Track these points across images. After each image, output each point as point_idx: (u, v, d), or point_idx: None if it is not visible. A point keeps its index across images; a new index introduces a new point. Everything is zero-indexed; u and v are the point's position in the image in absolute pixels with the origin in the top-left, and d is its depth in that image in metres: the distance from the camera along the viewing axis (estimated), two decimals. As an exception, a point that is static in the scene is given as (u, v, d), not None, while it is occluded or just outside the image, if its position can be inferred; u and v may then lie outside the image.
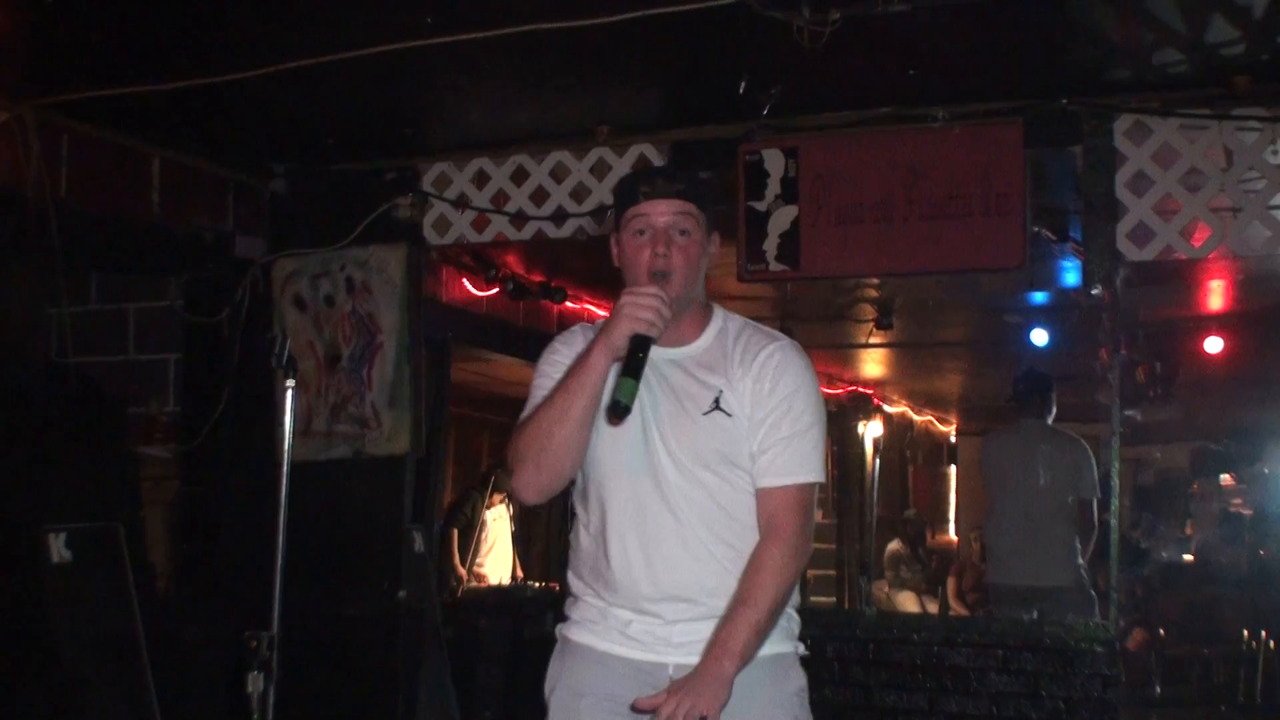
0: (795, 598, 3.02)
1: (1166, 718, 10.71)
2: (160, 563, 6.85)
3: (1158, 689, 11.13)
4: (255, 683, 4.04)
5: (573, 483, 3.11)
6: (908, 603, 11.07)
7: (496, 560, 11.02)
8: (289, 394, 4.26)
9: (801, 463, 2.94)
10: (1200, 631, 11.36)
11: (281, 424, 4.26)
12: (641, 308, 2.80)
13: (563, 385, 2.89)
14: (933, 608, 11.12)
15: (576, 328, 3.19)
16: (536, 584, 9.83)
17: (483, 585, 10.29)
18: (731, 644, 2.75)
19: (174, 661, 6.19)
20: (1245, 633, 10.65)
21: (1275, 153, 5.33)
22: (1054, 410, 7.36)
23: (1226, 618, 11.08)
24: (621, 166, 6.17)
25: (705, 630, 2.88)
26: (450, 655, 7.65)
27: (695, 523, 2.93)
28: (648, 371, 2.86)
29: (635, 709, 2.83)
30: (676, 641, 2.93)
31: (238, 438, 6.65)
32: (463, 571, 10.05)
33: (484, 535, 10.84)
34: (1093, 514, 7.06)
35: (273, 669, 4.06)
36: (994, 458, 7.58)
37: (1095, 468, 7.11)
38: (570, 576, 3.13)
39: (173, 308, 6.95)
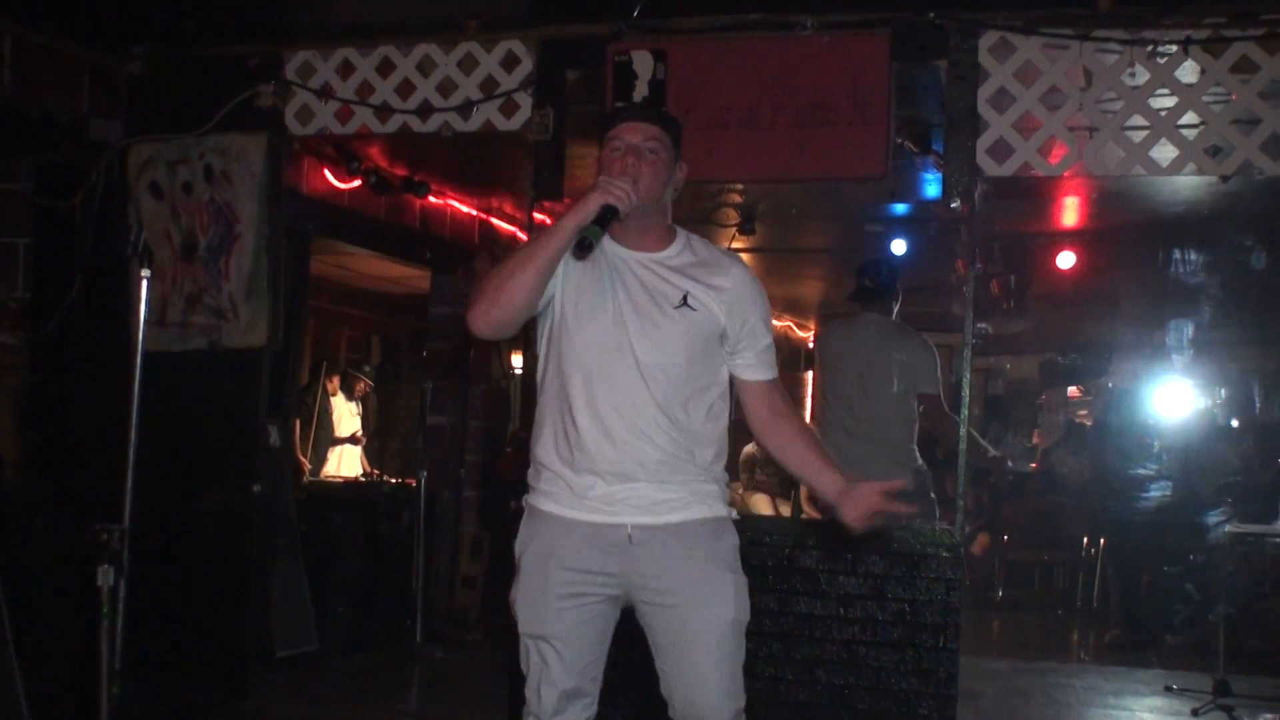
0: (724, 467, 3.57)
1: (1007, 620, 11.05)
2: (7, 452, 6.72)
3: (1000, 592, 11.49)
4: (105, 576, 4.01)
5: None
6: (761, 505, 11.18)
7: (343, 453, 10.98)
8: (143, 284, 4.21)
9: (772, 364, 3.57)
10: (1042, 538, 11.71)
11: (136, 314, 4.22)
12: (613, 186, 3.28)
13: (533, 238, 3.39)
14: (785, 510, 11.26)
15: None
16: (392, 480, 9.80)
17: (335, 479, 10.25)
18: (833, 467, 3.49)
19: (20, 553, 6.10)
20: (1085, 540, 11.01)
21: (1133, 75, 5.43)
22: (898, 303, 6.90)
23: (1068, 525, 11.43)
24: (489, 62, 6.11)
25: (655, 494, 3.39)
26: (304, 550, 7.64)
27: (660, 402, 3.36)
28: (625, 269, 3.41)
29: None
30: (633, 504, 3.37)
31: (90, 326, 6.52)
32: (305, 463, 9.98)
33: (329, 424, 10.79)
34: (942, 407, 6.55)
35: (123, 562, 4.03)
36: (828, 351, 6.97)
37: (937, 363, 6.66)
38: (538, 450, 3.49)
39: (23, 191, 6.75)
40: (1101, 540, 10.56)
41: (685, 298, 3.41)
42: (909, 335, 6.76)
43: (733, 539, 3.51)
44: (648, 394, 3.36)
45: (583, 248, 3.29)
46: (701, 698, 3.38)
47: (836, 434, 6.68)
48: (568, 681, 3.41)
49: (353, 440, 11.00)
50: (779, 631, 5.68)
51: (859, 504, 3.36)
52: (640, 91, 5.84)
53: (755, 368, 3.54)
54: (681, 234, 3.58)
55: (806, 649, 5.65)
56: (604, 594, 3.42)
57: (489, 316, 3.36)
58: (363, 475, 10.57)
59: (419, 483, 8.49)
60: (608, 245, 3.46)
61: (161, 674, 6.16)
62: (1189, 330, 11.62)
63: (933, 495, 6.74)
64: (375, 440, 12.19)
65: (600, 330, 3.40)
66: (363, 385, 11.33)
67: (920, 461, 6.70)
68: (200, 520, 6.45)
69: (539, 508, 3.49)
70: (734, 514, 3.55)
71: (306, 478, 9.69)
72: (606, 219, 3.28)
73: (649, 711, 3.56)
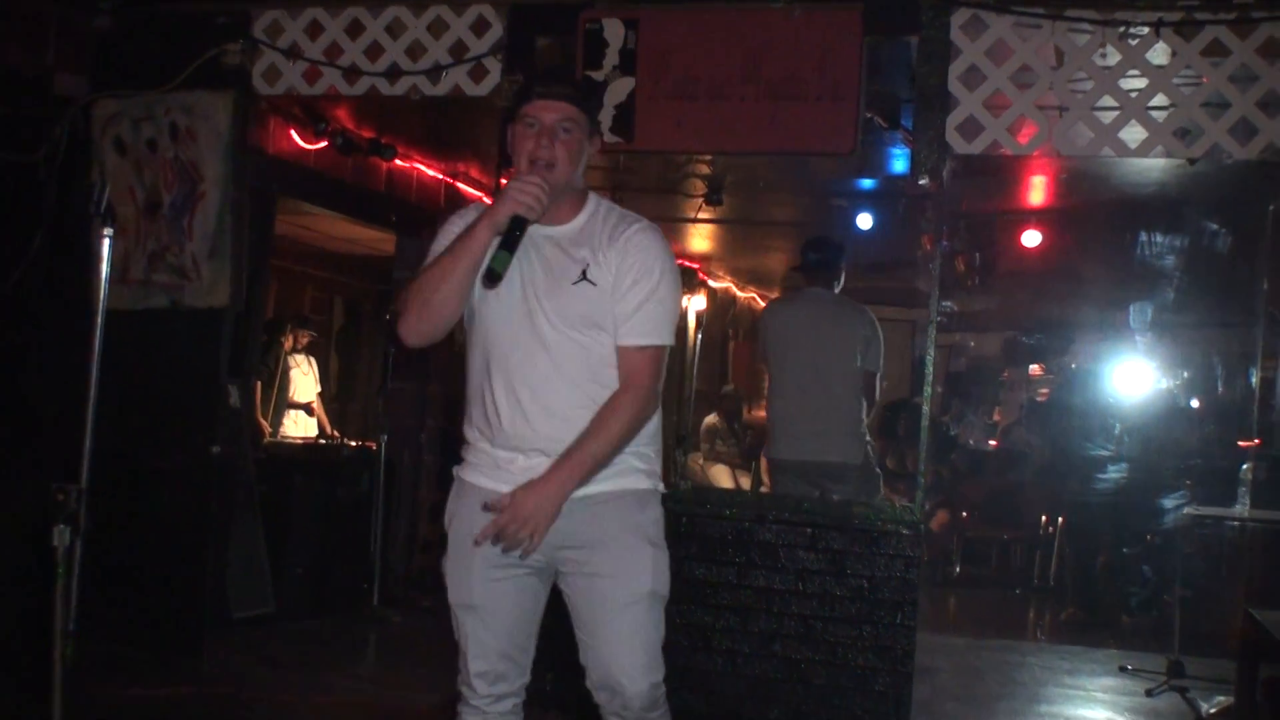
0: (658, 443, 3.56)
1: (964, 597, 11.11)
2: (-37, 409, 6.67)
3: (958, 569, 11.54)
4: (61, 536, 3.95)
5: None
6: (721, 476, 11.23)
7: (299, 415, 10.91)
8: (106, 242, 4.15)
9: (655, 327, 3.39)
10: (1001, 516, 11.75)
11: (97, 272, 4.15)
12: (524, 192, 3.24)
13: (449, 250, 3.35)
14: (745, 482, 11.30)
15: (473, 205, 3.57)
16: (353, 443, 9.76)
17: (294, 440, 10.18)
18: (570, 467, 3.28)
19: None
20: (1044, 519, 11.06)
21: (1104, 56, 5.44)
22: (842, 281, 6.95)
23: (1026, 504, 11.47)
24: (459, 26, 6.07)
25: None
26: (263, 512, 7.61)
27: (570, 377, 3.37)
28: (529, 245, 3.37)
29: (486, 507, 3.32)
30: None
31: (51, 283, 6.47)
32: (265, 425, 9.92)
33: (288, 387, 10.72)
34: (875, 388, 6.73)
35: (80, 523, 3.98)
36: (777, 327, 7.05)
37: (882, 341, 6.80)
38: (465, 427, 3.54)
39: (-16, 145, 6.69)
40: (1060, 519, 10.61)
41: (584, 271, 3.39)
42: (858, 311, 6.85)
43: (655, 512, 3.54)
44: (556, 370, 3.37)
45: (491, 279, 3.30)
46: (616, 668, 3.40)
47: (789, 409, 6.75)
48: (497, 651, 3.48)
49: (307, 410, 10.92)
50: (737, 605, 5.69)
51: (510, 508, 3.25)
52: (611, 61, 5.82)
53: (623, 332, 3.39)
54: (592, 201, 3.54)
55: (764, 623, 5.66)
56: (530, 564, 3.43)
57: (418, 330, 3.41)
58: (322, 438, 10.51)
59: (379, 446, 8.46)
60: None
61: (117, 634, 6.13)
62: (1151, 311, 11.66)
63: (878, 470, 6.82)
64: (335, 403, 12.11)
65: (509, 309, 3.41)
66: (305, 336, 11.17)
67: (867, 435, 6.80)
68: (159, 480, 6.42)
69: (466, 479, 3.54)
70: (660, 487, 3.56)
71: (266, 439, 9.63)
72: (516, 236, 3.25)
73: (581, 682, 3.53)
